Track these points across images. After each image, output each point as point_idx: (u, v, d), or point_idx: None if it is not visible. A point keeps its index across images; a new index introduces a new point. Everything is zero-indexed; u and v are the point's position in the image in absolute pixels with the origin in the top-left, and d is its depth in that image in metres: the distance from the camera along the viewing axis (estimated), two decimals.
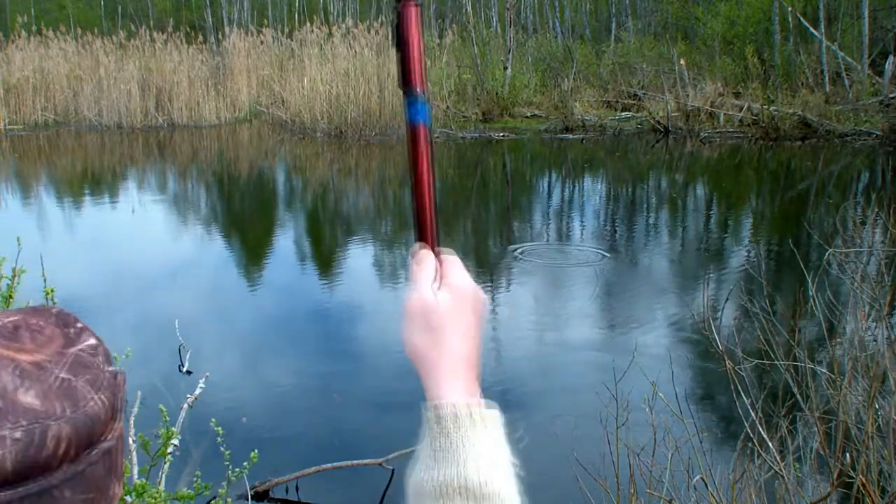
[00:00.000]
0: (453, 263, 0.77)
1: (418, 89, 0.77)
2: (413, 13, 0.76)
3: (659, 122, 16.10)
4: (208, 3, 29.05)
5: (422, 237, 0.78)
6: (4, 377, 0.49)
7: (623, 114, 17.14)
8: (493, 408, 0.73)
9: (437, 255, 0.78)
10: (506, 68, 18.00)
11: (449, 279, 0.76)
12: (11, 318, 0.54)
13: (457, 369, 0.73)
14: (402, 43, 0.76)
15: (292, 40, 19.44)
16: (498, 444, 0.72)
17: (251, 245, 8.94)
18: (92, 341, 0.56)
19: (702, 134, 15.49)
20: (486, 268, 7.38)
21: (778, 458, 2.57)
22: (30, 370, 0.50)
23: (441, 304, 0.74)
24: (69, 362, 0.53)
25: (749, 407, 2.66)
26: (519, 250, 7.89)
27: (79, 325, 0.56)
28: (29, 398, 0.49)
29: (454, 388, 0.72)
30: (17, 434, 0.47)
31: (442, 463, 0.69)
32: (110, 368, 0.55)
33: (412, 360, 0.74)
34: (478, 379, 0.75)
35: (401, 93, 0.80)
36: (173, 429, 2.57)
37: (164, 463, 2.67)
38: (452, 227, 9.52)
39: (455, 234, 8.85)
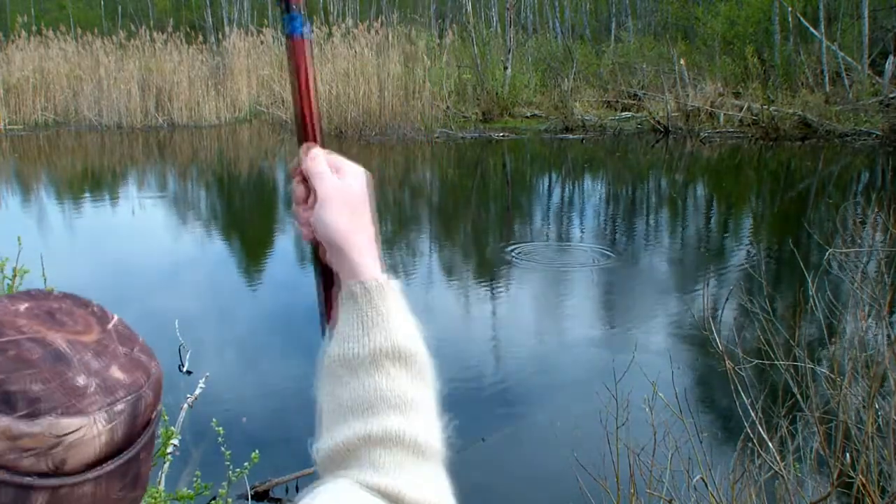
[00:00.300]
0: (339, 157, 0.84)
1: (294, 4, 0.81)
2: None
3: (659, 122, 16.10)
4: (208, 3, 29.06)
5: (307, 138, 0.84)
6: (88, 357, 0.51)
7: (623, 114, 17.13)
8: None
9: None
10: (506, 68, 18.00)
11: (347, 169, 0.82)
12: (27, 305, 0.55)
13: (372, 246, 0.81)
14: None
15: None
16: (405, 307, 0.80)
17: (251, 245, 8.94)
18: (115, 315, 0.58)
19: (702, 134, 15.48)
20: (486, 267, 7.38)
21: (778, 458, 2.57)
22: (100, 349, 0.53)
23: (357, 190, 0.81)
24: (119, 337, 0.55)
25: (749, 407, 2.66)
26: (518, 250, 7.89)
27: (89, 301, 0.58)
28: (118, 373, 0.52)
29: (374, 263, 0.80)
30: (122, 406, 0.51)
31: (373, 332, 0.76)
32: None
33: (332, 241, 0.79)
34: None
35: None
36: (173, 429, 2.57)
37: (164, 463, 2.67)
38: (453, 226, 9.51)
39: (455, 234, 8.85)
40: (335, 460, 0.75)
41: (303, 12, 0.82)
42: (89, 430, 0.49)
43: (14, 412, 0.48)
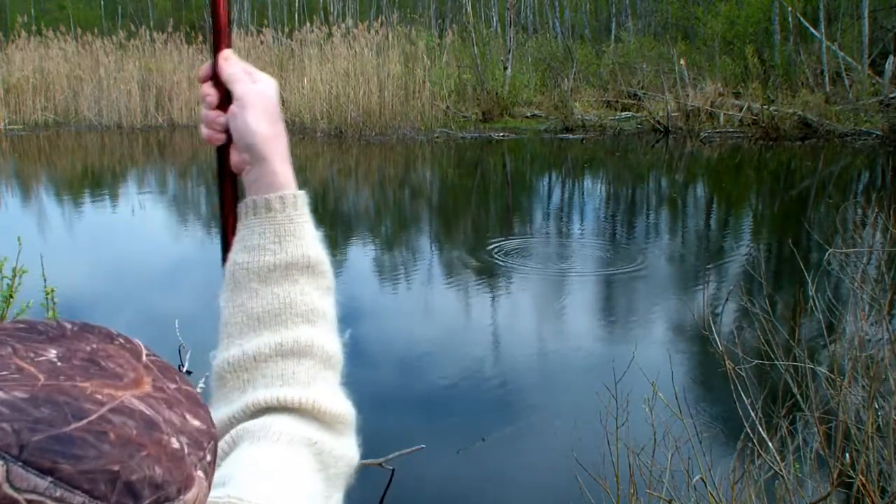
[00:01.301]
0: (245, 63, 0.83)
1: None
2: None
3: (659, 122, 16.10)
4: (208, 2, 29.05)
5: (222, 41, 0.83)
6: (167, 413, 0.45)
7: (623, 114, 17.13)
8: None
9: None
10: (506, 68, 18.00)
11: (257, 75, 0.81)
12: (63, 351, 0.46)
13: (287, 154, 0.80)
14: None
15: (292, 40, 19.43)
16: (312, 222, 0.81)
17: None
18: (134, 339, 0.51)
19: (702, 134, 15.48)
20: (486, 266, 7.38)
21: (778, 458, 2.57)
22: (165, 398, 0.46)
23: (273, 96, 0.80)
24: (160, 371, 0.49)
25: (749, 407, 2.66)
26: (518, 250, 7.89)
27: (114, 331, 0.51)
28: (195, 421, 0.47)
29: (291, 171, 0.80)
30: (210, 456, 0.47)
31: (287, 243, 0.77)
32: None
33: (253, 146, 0.78)
34: None
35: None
36: None
37: None
38: (452, 226, 9.51)
39: (455, 233, 8.85)
40: (238, 371, 0.75)
41: None
42: (199, 492, 0.45)
43: (141, 502, 0.42)
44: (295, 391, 0.72)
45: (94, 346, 0.47)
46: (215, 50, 0.82)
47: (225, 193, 0.83)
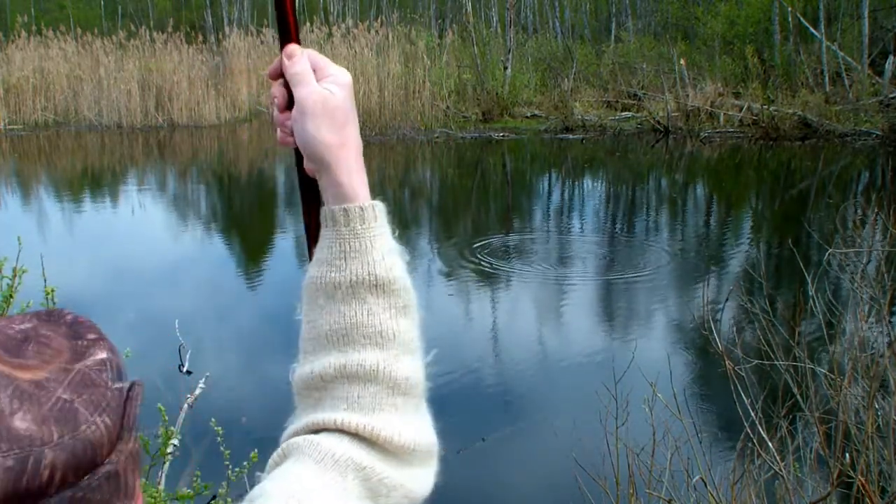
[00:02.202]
0: (321, 56, 0.76)
1: None
2: None
3: (659, 122, 16.10)
4: (208, 3, 29.06)
5: (288, 37, 0.76)
6: (2, 399, 0.45)
7: (623, 114, 17.13)
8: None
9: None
10: (506, 68, 18.00)
11: (330, 72, 0.75)
12: (24, 326, 0.51)
13: (360, 162, 0.74)
14: None
15: None
16: (389, 235, 0.75)
17: (251, 245, 8.94)
18: (101, 356, 0.51)
19: (702, 134, 15.48)
20: (486, 265, 7.38)
21: (778, 458, 2.57)
22: (29, 391, 0.47)
23: (340, 99, 0.73)
24: (72, 380, 0.49)
25: (749, 407, 2.66)
26: (517, 250, 7.89)
27: (91, 336, 0.52)
28: (24, 423, 0.45)
29: (362, 182, 0.74)
30: (10, 462, 0.44)
31: (353, 262, 0.72)
32: (118, 385, 0.51)
33: (315, 156, 0.73)
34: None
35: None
36: (173, 428, 2.57)
37: (164, 463, 2.67)
38: (453, 226, 9.51)
39: (455, 234, 8.85)
40: (310, 389, 0.73)
41: None
42: None
43: None
44: (355, 417, 0.69)
45: (44, 332, 0.50)
46: (282, 46, 0.76)
47: (304, 199, 0.78)
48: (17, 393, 0.46)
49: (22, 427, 0.45)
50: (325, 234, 0.74)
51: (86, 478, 0.47)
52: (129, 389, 0.51)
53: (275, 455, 0.69)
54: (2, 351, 0.48)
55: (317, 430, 0.71)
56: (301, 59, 0.74)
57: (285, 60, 0.75)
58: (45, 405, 0.46)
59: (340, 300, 0.72)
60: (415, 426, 0.72)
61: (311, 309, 0.74)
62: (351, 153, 0.73)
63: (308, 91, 0.73)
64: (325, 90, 0.73)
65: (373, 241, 0.72)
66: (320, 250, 0.74)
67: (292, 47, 0.75)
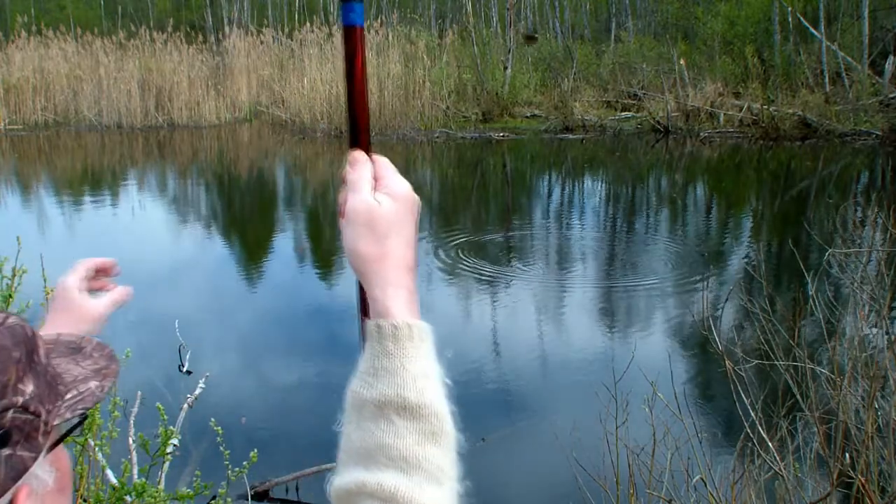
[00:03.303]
0: (387, 166, 0.76)
1: None
2: None
3: (659, 122, 16.10)
4: (208, 3, 29.06)
5: (356, 142, 0.76)
6: None
7: (623, 114, 17.13)
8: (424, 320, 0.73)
9: (370, 157, 0.77)
10: (506, 68, 18.00)
11: (387, 183, 0.74)
12: None
13: (401, 277, 0.72)
14: None
15: (292, 40, 19.44)
16: (431, 358, 0.72)
17: (251, 245, 8.94)
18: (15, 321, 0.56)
19: (702, 134, 15.48)
20: (486, 265, 7.38)
21: (778, 458, 2.57)
22: None
23: (386, 210, 0.72)
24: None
25: (749, 407, 2.66)
26: (518, 249, 7.89)
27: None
28: None
29: (399, 298, 0.71)
30: None
31: (382, 381, 0.69)
32: None
33: (354, 266, 0.73)
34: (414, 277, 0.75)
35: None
36: (172, 428, 2.57)
37: (164, 462, 2.67)
38: (452, 224, 9.51)
39: (455, 233, 8.84)
40: (340, 498, 0.71)
41: (362, 1, 0.76)
42: None
43: None
44: None
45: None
46: (351, 146, 0.76)
47: (359, 305, 0.75)
48: None
49: None
50: (366, 345, 0.72)
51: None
52: None
53: None
54: None
55: None
56: (360, 168, 0.74)
57: (347, 167, 0.75)
58: None
59: (369, 417, 0.70)
60: None
61: (347, 420, 0.72)
62: (389, 267, 0.72)
63: (355, 200, 0.72)
64: (373, 200, 0.72)
65: (404, 362, 0.69)
66: (361, 361, 0.72)
67: (355, 154, 0.75)
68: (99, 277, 1.04)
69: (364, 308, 0.75)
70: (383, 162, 0.76)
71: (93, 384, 0.63)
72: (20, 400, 0.56)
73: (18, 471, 0.55)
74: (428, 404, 0.70)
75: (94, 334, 0.96)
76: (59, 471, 0.61)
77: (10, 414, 0.55)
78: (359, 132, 0.76)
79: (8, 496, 0.55)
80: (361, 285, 0.75)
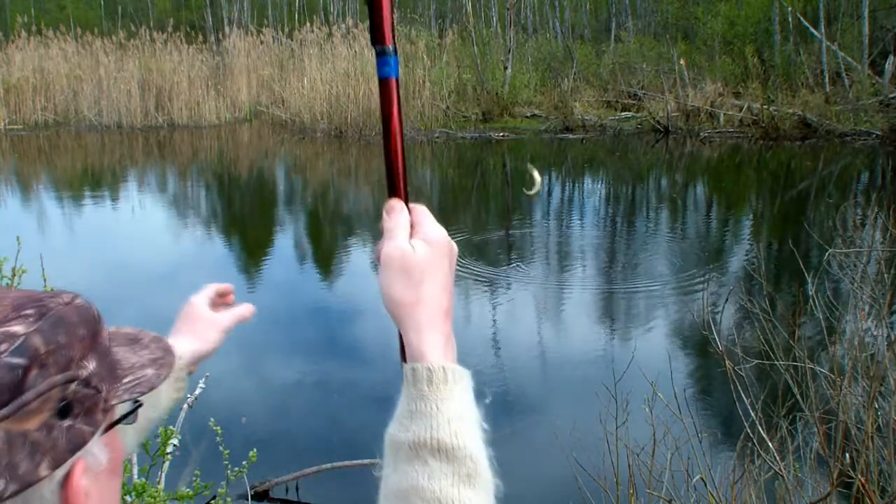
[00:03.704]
0: (425, 214, 0.78)
1: (389, 45, 0.77)
2: None
3: (659, 122, 16.10)
4: (208, 3, 29.06)
5: (394, 190, 0.78)
6: None
7: (623, 114, 17.13)
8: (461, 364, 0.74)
9: (408, 205, 0.78)
10: (506, 68, 18.00)
11: (423, 229, 0.76)
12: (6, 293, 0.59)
13: (436, 322, 0.73)
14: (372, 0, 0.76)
15: (292, 40, 19.45)
16: (467, 401, 0.72)
17: (251, 245, 8.94)
18: (14, 329, 0.55)
19: (702, 134, 15.49)
20: (487, 265, 7.38)
21: (778, 458, 2.57)
22: None
23: (420, 256, 0.74)
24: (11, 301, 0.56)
25: (749, 407, 2.66)
26: (518, 250, 7.88)
27: (28, 311, 0.57)
28: None
29: (434, 342, 0.72)
30: None
31: (417, 423, 0.70)
32: (12, 361, 0.54)
33: (389, 311, 0.74)
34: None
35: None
36: (172, 428, 2.57)
37: (164, 462, 2.67)
38: (453, 225, 9.51)
39: (456, 233, 8.84)
40: None
41: (397, 53, 0.78)
42: None
43: None
44: None
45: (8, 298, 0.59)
46: (389, 195, 0.79)
47: (401, 350, 0.76)
48: None
49: None
50: (402, 389, 0.73)
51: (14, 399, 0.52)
52: (25, 371, 0.54)
53: None
54: None
55: None
56: (397, 215, 0.76)
57: (384, 214, 0.77)
58: None
59: (404, 460, 0.70)
60: None
61: (385, 464, 0.73)
62: (423, 311, 0.73)
63: (391, 246, 0.74)
64: (408, 246, 0.74)
65: (440, 405, 0.70)
66: (398, 405, 0.73)
67: (392, 202, 0.77)
68: (220, 301, 1.11)
69: (402, 352, 0.76)
70: (421, 210, 0.78)
71: (150, 371, 0.66)
72: (83, 374, 0.59)
73: (77, 444, 0.58)
74: (462, 446, 0.70)
75: (218, 346, 1.05)
76: (112, 453, 0.62)
77: (72, 386, 0.58)
78: (396, 180, 0.79)
79: (66, 467, 0.57)
80: (402, 349, 0.76)
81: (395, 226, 0.75)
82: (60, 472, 0.57)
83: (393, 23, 0.78)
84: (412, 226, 0.76)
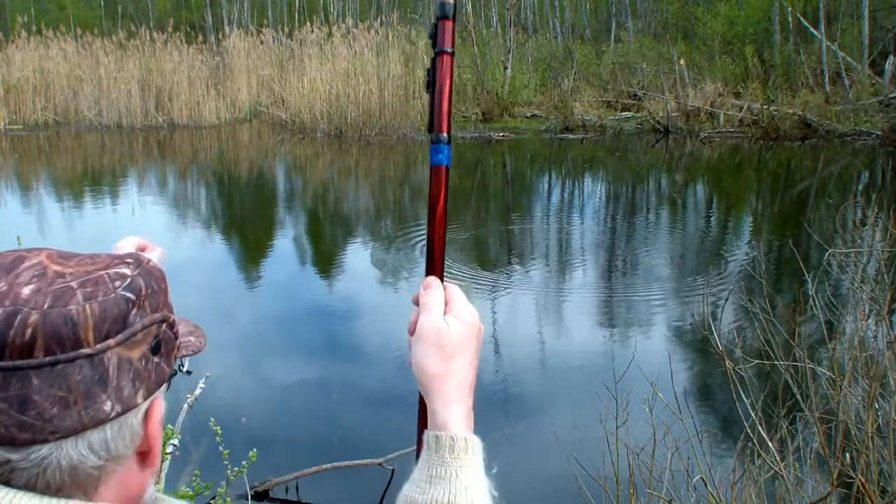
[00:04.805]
0: (458, 293, 0.82)
1: (444, 135, 0.83)
2: (447, 62, 0.83)
3: (659, 122, 16.10)
4: (208, 3, 29.06)
5: (433, 268, 0.84)
6: (24, 275, 0.59)
7: (623, 114, 17.14)
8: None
9: (443, 283, 0.84)
10: (506, 68, 18.00)
11: (457, 308, 0.80)
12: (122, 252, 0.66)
13: (462, 395, 0.77)
14: (434, 89, 0.82)
15: (292, 40, 19.44)
16: (481, 471, 0.77)
17: (251, 245, 8.94)
18: (124, 271, 0.62)
19: (702, 134, 15.49)
20: (487, 265, 7.38)
21: (778, 458, 2.57)
22: (49, 275, 0.59)
23: (454, 333, 0.78)
24: (88, 279, 0.60)
25: (749, 407, 2.66)
26: (518, 249, 7.88)
27: (129, 260, 0.64)
28: (27, 290, 0.57)
29: (458, 414, 0.76)
30: (1, 314, 0.55)
31: (436, 488, 0.73)
32: (126, 294, 0.60)
33: (419, 381, 0.77)
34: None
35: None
36: (172, 428, 2.57)
37: (164, 462, 2.67)
38: (453, 225, 9.51)
39: (455, 232, 8.85)
40: None
41: (449, 143, 0.84)
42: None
43: None
44: None
45: (116, 258, 0.65)
46: (427, 272, 0.84)
47: (419, 416, 0.81)
48: (38, 274, 0.59)
49: (24, 293, 0.57)
50: (422, 454, 0.76)
51: (65, 353, 0.56)
52: (133, 306, 0.60)
53: None
54: (57, 255, 0.63)
55: None
56: (433, 292, 0.81)
57: (421, 289, 0.82)
58: (52, 286, 0.58)
59: None
60: None
61: None
62: (452, 384, 0.77)
63: (426, 320, 0.78)
64: (443, 323, 0.78)
65: (458, 472, 0.74)
66: (416, 469, 0.76)
67: (430, 279, 0.83)
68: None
69: (422, 420, 0.80)
70: (454, 289, 0.83)
71: (192, 339, 0.79)
72: (171, 317, 0.65)
73: (161, 380, 0.64)
74: None
75: None
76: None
77: (163, 326, 0.64)
78: (434, 260, 0.84)
79: (150, 400, 0.63)
80: (422, 399, 0.80)
81: (431, 301, 0.80)
82: (145, 405, 0.63)
83: (450, 114, 0.84)
84: (446, 303, 0.81)
